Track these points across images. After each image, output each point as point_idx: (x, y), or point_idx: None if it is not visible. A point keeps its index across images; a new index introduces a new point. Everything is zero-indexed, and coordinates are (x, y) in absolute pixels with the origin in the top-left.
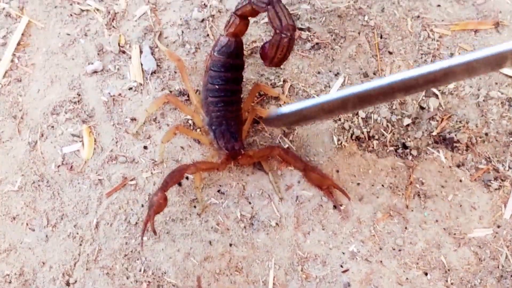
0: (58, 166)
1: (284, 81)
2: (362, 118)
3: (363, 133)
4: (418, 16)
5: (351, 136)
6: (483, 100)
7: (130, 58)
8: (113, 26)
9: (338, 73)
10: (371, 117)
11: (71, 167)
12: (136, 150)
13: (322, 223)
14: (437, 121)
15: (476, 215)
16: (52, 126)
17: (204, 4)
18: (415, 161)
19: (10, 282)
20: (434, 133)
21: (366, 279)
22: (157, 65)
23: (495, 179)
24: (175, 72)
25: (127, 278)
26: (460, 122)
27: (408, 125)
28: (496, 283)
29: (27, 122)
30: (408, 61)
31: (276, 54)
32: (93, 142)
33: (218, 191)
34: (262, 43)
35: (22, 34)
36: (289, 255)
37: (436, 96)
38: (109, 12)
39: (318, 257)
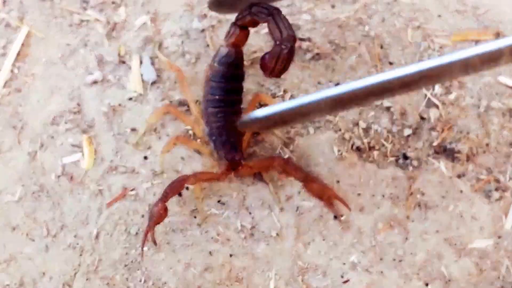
0: (58, 177)
1: (285, 91)
2: (362, 128)
3: (363, 143)
4: (419, 27)
5: (352, 147)
6: (484, 111)
7: (130, 68)
8: (113, 37)
9: (338, 84)
10: (371, 127)
11: (71, 177)
12: (136, 160)
13: (322, 233)
14: (438, 131)
15: (477, 225)
16: (52, 137)
17: (204, 14)
18: (416, 171)
19: None
20: (434, 144)
21: None
22: (157, 75)
23: (496, 189)
24: (175, 83)
25: None
26: (460, 132)
27: (408, 135)
28: None
29: (27, 132)
30: None
31: (276, 65)
32: (93, 153)
33: (219, 201)
34: (262, 54)
35: (22, 44)
36: (289, 265)
37: (437, 106)
38: (109, 22)
39: (318, 268)
